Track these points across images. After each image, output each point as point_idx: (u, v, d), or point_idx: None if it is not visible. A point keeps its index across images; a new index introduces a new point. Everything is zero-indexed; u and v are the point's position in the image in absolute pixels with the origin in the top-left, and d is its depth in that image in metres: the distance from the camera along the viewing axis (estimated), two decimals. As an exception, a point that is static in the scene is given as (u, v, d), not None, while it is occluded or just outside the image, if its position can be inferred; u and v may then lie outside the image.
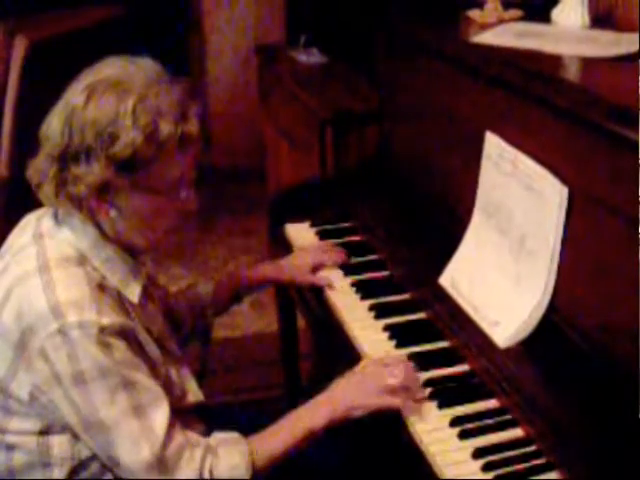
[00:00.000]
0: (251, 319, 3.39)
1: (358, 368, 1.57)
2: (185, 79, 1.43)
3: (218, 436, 1.48)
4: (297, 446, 1.48)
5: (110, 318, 1.35)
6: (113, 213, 1.40)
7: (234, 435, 1.49)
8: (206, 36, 4.72)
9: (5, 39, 3.08)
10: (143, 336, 1.44)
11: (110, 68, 1.39)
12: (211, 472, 1.41)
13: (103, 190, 1.37)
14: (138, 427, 1.36)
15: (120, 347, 1.36)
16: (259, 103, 3.77)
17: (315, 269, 1.95)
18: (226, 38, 4.70)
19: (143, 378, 1.39)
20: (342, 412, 1.49)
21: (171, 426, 1.40)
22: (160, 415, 1.39)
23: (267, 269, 1.97)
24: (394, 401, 1.48)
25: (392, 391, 1.48)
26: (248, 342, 3.23)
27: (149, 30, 4.07)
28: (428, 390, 1.52)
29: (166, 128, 1.35)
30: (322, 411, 1.49)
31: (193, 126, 1.39)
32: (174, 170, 1.40)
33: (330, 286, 1.91)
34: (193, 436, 1.44)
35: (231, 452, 1.44)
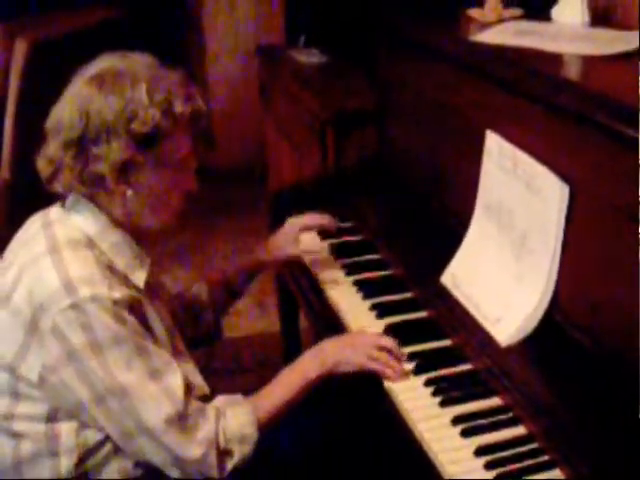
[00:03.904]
0: (253, 320, 3.39)
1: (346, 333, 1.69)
2: (179, 67, 1.51)
3: (221, 399, 1.54)
4: (294, 399, 1.56)
5: (120, 293, 1.40)
6: (130, 193, 1.45)
7: (236, 396, 1.56)
8: (206, 37, 4.72)
9: (6, 41, 3.08)
10: (150, 313, 1.49)
11: (109, 61, 1.46)
12: (224, 433, 1.47)
13: (124, 168, 1.42)
14: (157, 389, 1.41)
15: (131, 319, 1.41)
16: (260, 103, 3.77)
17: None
18: (226, 39, 4.70)
19: (154, 347, 1.44)
20: (330, 366, 1.58)
21: (187, 388, 1.45)
22: (176, 378, 1.44)
23: (254, 255, 1.96)
24: (377, 365, 1.57)
25: (377, 355, 1.58)
26: (250, 343, 3.23)
27: (149, 31, 4.07)
28: (430, 388, 1.53)
29: (179, 104, 1.44)
30: (313, 364, 1.59)
31: (201, 103, 1.50)
32: (185, 146, 1.49)
33: (315, 253, 1.95)
34: (200, 402, 1.49)
35: (237, 412, 1.51)
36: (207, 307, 1.87)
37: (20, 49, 3.03)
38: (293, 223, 1.96)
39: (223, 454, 1.47)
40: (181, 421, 1.42)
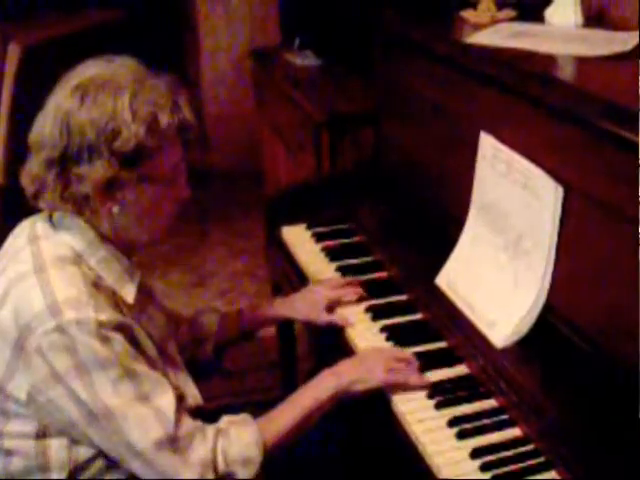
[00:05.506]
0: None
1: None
2: (168, 73, 1.46)
3: (227, 418, 1.49)
4: (305, 422, 1.51)
5: (107, 314, 1.36)
6: (116, 209, 1.41)
7: (243, 416, 1.50)
8: (201, 39, 4.72)
9: (-1, 44, 3.08)
10: (140, 334, 1.45)
11: (92, 69, 1.41)
12: (224, 452, 1.43)
13: (108, 187, 1.38)
14: (146, 411, 1.37)
15: (119, 340, 1.36)
16: (255, 106, 3.77)
17: (330, 306, 1.83)
18: (221, 41, 4.70)
19: (144, 368, 1.40)
20: (346, 385, 1.54)
21: (179, 410, 1.41)
22: (166, 400, 1.39)
23: (280, 308, 1.87)
24: (396, 377, 1.54)
25: (397, 366, 1.55)
26: (246, 345, 3.22)
27: (144, 33, 4.07)
28: (426, 390, 1.53)
29: (164, 118, 1.38)
30: (327, 385, 1.54)
31: (188, 114, 1.43)
32: (173, 158, 1.44)
33: (349, 324, 1.78)
34: (200, 421, 1.45)
35: (242, 432, 1.46)
36: (210, 339, 1.81)
37: (13, 52, 3.02)
38: (322, 294, 1.83)
39: (223, 476, 1.42)
40: (172, 443, 1.38)
